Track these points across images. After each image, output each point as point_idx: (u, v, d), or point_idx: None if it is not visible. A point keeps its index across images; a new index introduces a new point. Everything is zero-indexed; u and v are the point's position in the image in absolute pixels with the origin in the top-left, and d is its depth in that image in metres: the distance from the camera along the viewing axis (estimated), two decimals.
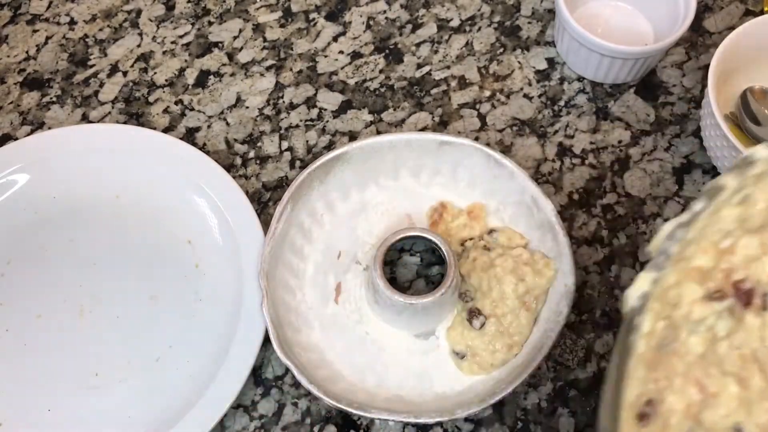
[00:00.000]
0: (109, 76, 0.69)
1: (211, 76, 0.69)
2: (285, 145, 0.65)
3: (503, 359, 0.53)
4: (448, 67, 0.68)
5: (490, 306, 0.54)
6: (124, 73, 0.69)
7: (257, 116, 0.66)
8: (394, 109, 0.66)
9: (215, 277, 0.58)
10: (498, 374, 0.53)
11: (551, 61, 0.68)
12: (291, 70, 0.69)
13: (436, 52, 0.69)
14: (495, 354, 0.53)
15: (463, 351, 0.54)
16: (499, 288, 0.54)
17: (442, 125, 0.66)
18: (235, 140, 0.65)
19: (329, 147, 0.64)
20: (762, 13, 0.70)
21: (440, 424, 0.54)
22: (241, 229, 0.58)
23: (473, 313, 0.54)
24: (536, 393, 0.55)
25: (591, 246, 0.60)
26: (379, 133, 0.65)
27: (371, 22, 0.71)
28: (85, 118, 0.67)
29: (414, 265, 0.59)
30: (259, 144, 0.65)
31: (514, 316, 0.54)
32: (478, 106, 0.66)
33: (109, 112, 0.67)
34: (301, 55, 0.69)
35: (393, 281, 0.58)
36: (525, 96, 0.67)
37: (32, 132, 0.66)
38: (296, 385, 0.56)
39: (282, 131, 0.66)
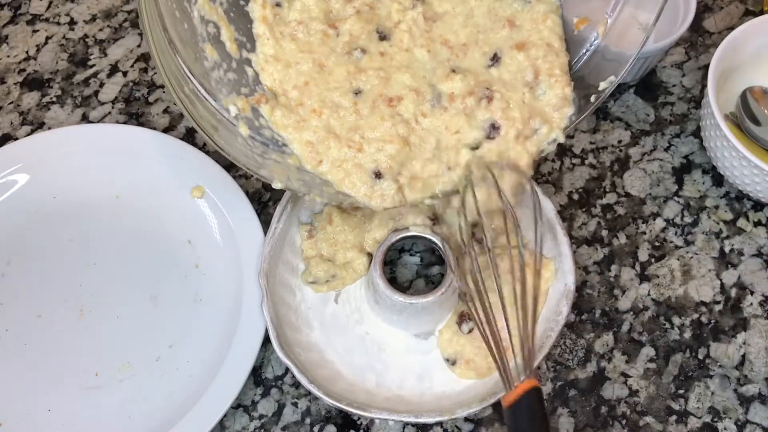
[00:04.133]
0: (109, 76, 0.69)
1: None
2: None
3: None
4: None
5: (484, 310, 0.54)
6: (124, 73, 0.69)
7: None
8: None
9: (215, 277, 0.58)
10: (498, 374, 0.53)
11: None
12: None
13: None
14: (489, 358, 0.53)
15: (453, 357, 0.54)
16: (495, 291, 0.54)
17: None
18: None
19: None
20: (762, 13, 0.70)
21: (440, 423, 0.54)
22: (241, 229, 0.58)
23: (463, 318, 0.54)
24: None
25: (591, 246, 0.61)
26: None
27: None
28: (85, 118, 0.67)
29: (414, 265, 0.59)
30: None
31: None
32: None
33: (109, 112, 0.67)
34: None
35: (393, 281, 0.58)
36: None
37: (32, 132, 0.66)
38: (296, 385, 0.56)
39: None
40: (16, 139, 0.65)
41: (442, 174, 0.52)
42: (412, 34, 0.55)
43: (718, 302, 0.58)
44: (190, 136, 0.65)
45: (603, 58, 0.55)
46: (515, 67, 0.54)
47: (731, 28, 0.60)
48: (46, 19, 0.73)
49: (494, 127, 0.52)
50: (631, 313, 0.58)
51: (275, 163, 0.51)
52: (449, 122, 0.53)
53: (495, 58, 0.54)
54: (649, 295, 0.59)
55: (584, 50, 0.56)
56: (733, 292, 0.59)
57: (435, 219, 0.56)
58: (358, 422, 0.55)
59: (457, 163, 0.52)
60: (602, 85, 0.53)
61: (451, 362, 0.54)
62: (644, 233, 0.61)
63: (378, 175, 0.51)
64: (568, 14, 0.56)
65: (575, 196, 0.63)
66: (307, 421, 0.54)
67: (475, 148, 0.52)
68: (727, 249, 0.60)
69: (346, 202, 0.52)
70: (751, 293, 0.59)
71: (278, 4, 0.55)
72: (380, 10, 0.56)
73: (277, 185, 0.50)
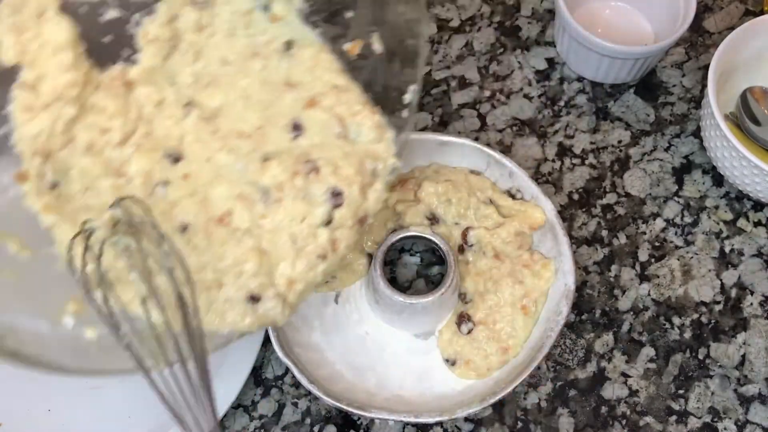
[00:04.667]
0: None
1: None
2: None
3: (500, 362, 0.53)
4: (448, 67, 0.68)
5: (484, 312, 0.54)
6: None
7: None
8: None
9: None
10: (498, 374, 0.53)
11: (551, 61, 0.68)
12: None
13: (436, 52, 0.69)
14: (489, 358, 0.53)
15: (452, 357, 0.54)
16: (495, 293, 0.54)
17: (442, 125, 0.66)
18: None
19: None
20: (762, 13, 0.70)
21: (440, 423, 0.54)
22: None
23: (462, 318, 0.54)
24: (536, 393, 0.55)
25: (591, 246, 0.60)
26: None
27: None
28: None
29: (414, 265, 0.59)
30: None
31: (507, 322, 0.54)
32: (478, 106, 0.66)
33: None
34: None
35: (393, 281, 0.58)
36: (525, 96, 0.67)
37: None
38: (296, 384, 0.56)
39: None
40: None
41: (316, 265, 0.47)
42: (202, 142, 0.49)
43: (718, 302, 0.58)
44: None
45: (394, 71, 0.52)
46: (319, 126, 0.50)
47: (731, 28, 0.60)
48: None
49: (336, 194, 0.48)
50: (631, 313, 0.58)
51: (141, 343, 0.44)
52: (291, 212, 0.47)
53: (296, 128, 0.50)
54: (649, 295, 0.59)
55: (371, 71, 0.52)
56: (734, 293, 0.59)
57: (432, 219, 0.56)
58: (358, 422, 0.55)
59: (324, 248, 0.47)
60: (407, 98, 0.51)
61: (451, 362, 0.54)
62: (644, 233, 0.61)
63: (254, 299, 0.46)
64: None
65: (575, 196, 0.63)
66: (308, 421, 0.54)
67: (329, 221, 0.48)
68: (727, 249, 0.60)
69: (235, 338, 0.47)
70: (751, 293, 0.59)
71: (55, 185, 0.47)
72: (157, 132, 0.49)
73: (158, 369, 0.44)
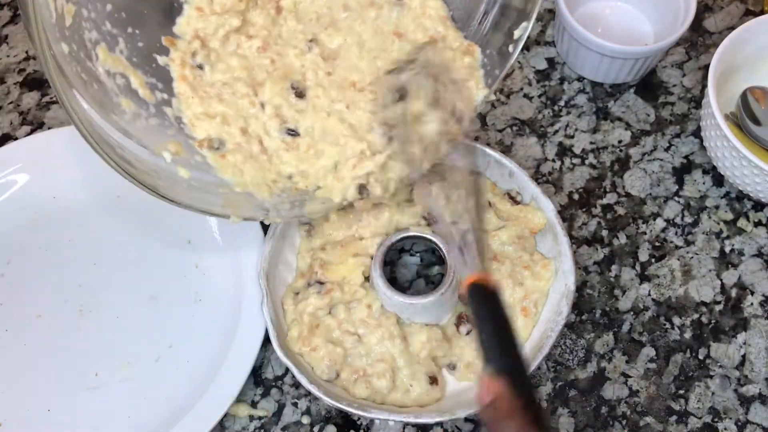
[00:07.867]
0: None
1: None
2: None
3: None
4: None
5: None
6: None
7: None
8: None
9: (215, 277, 0.58)
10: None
11: (551, 61, 0.68)
12: None
13: None
14: None
15: (453, 362, 0.54)
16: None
17: None
18: None
19: None
20: (762, 13, 0.70)
21: (440, 424, 0.54)
22: (241, 229, 0.58)
23: (461, 319, 0.54)
24: (536, 393, 0.55)
25: (591, 246, 0.60)
26: None
27: None
28: None
29: (414, 265, 0.59)
30: None
31: None
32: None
33: None
34: None
35: (393, 281, 0.58)
36: (525, 96, 0.67)
37: (32, 132, 0.66)
38: (296, 385, 0.56)
39: None
40: (16, 139, 0.65)
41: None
42: (322, 87, 0.53)
43: (719, 302, 0.58)
44: None
45: (508, 8, 0.55)
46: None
47: (731, 28, 0.60)
48: None
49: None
50: (632, 313, 0.58)
51: (225, 195, 0.51)
52: None
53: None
54: (649, 295, 0.59)
55: (483, 8, 0.56)
56: (734, 293, 0.59)
57: (430, 219, 0.56)
58: (358, 422, 0.54)
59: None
60: (516, 33, 0.54)
61: (451, 367, 0.54)
62: (644, 233, 0.61)
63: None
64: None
65: (575, 196, 0.63)
66: (307, 421, 0.54)
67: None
68: (727, 249, 0.60)
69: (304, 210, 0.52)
70: (752, 293, 0.59)
71: (200, 67, 0.51)
72: (284, 59, 0.54)
73: (235, 220, 0.50)
